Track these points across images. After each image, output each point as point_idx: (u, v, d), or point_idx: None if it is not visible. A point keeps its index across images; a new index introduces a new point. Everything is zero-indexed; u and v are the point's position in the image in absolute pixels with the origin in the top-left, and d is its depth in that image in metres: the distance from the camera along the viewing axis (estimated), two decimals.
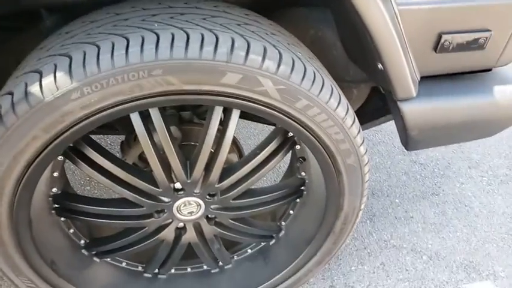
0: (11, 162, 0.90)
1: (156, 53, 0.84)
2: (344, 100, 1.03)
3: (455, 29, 1.04)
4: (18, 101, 0.86)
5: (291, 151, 1.20)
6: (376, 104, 1.45)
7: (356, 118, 1.07)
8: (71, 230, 1.20)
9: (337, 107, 1.00)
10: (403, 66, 1.03)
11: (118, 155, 1.70)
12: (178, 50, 0.85)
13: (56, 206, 1.13)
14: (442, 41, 1.04)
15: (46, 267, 1.10)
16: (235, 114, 1.03)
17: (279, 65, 0.91)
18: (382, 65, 1.02)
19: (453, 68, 1.14)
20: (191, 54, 0.85)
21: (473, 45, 1.08)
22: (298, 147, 1.17)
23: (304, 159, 1.20)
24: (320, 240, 1.25)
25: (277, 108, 0.95)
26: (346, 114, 1.02)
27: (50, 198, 1.11)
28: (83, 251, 1.23)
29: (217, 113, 1.01)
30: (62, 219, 1.17)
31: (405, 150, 2.14)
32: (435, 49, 1.06)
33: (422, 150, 2.14)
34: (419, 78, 1.10)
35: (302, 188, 1.26)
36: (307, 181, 1.24)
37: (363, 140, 1.09)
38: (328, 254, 1.28)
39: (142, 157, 1.21)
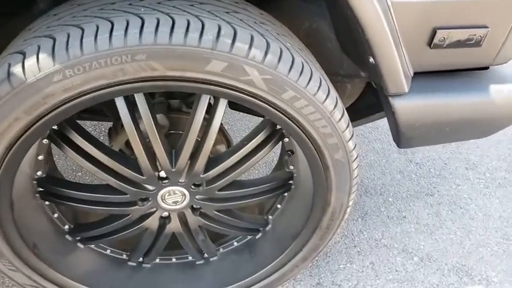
0: None
1: (140, 37, 0.83)
2: (333, 93, 1.01)
3: (451, 25, 1.02)
4: (1, 81, 0.85)
5: (279, 144, 1.18)
6: (370, 100, 1.43)
7: (345, 112, 1.05)
8: (55, 215, 1.20)
9: (325, 100, 0.98)
10: (395, 61, 1.00)
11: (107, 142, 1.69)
12: (163, 36, 0.84)
13: (41, 189, 1.12)
14: (437, 36, 1.02)
15: (27, 250, 1.10)
16: (223, 103, 1.01)
17: (265, 54, 0.89)
18: (374, 59, 1.00)
19: (448, 64, 1.11)
20: (176, 40, 0.84)
21: (470, 42, 1.05)
22: (286, 140, 1.15)
23: (292, 152, 1.18)
24: (306, 235, 1.23)
25: (263, 99, 0.93)
26: (334, 107, 1.00)
27: (35, 182, 1.10)
28: (67, 236, 1.23)
29: (204, 102, 0.99)
30: (47, 203, 1.16)
31: (401, 149, 2.11)
32: (429, 44, 1.04)
33: (419, 149, 2.11)
34: (412, 74, 1.08)
35: (290, 182, 1.25)
36: (295, 175, 1.22)
37: (352, 135, 1.07)
38: (314, 250, 1.26)
39: (129, 144, 1.20)
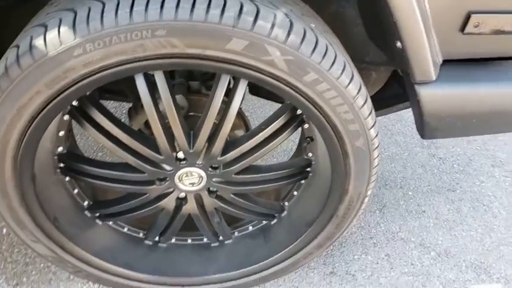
0: (15, 115, 0.91)
1: (160, 13, 0.82)
2: (357, 78, 0.98)
3: (487, 9, 0.96)
4: (23, 53, 0.85)
5: (299, 129, 1.16)
6: (396, 89, 1.39)
7: (369, 99, 1.02)
8: (75, 191, 1.22)
9: (348, 85, 0.95)
10: (423, 46, 0.96)
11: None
12: (184, 11, 0.82)
13: (61, 165, 1.14)
14: (471, 21, 0.97)
15: (48, 223, 1.12)
16: (242, 85, 0.99)
17: (288, 34, 0.87)
18: (401, 43, 0.96)
19: (480, 52, 1.06)
20: (196, 16, 0.82)
21: (507, 29, 0.99)
22: (306, 126, 1.13)
23: (312, 139, 1.16)
24: (322, 223, 1.21)
25: (283, 81, 0.91)
26: (358, 93, 0.97)
27: (56, 157, 1.12)
28: (86, 212, 1.25)
29: (223, 83, 0.98)
30: (67, 178, 1.18)
31: (424, 143, 2.05)
32: (462, 30, 0.99)
33: (443, 144, 2.04)
34: (441, 61, 1.03)
35: (308, 169, 1.23)
36: (313, 162, 1.20)
37: (375, 123, 1.04)
38: (329, 239, 1.25)
39: (148, 124, 1.20)
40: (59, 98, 0.90)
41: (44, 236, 1.13)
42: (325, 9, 1.22)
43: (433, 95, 1.05)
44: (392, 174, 1.89)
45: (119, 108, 2.07)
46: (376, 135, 1.06)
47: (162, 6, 0.82)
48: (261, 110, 2.17)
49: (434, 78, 1.02)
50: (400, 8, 0.90)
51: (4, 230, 1.58)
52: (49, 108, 0.92)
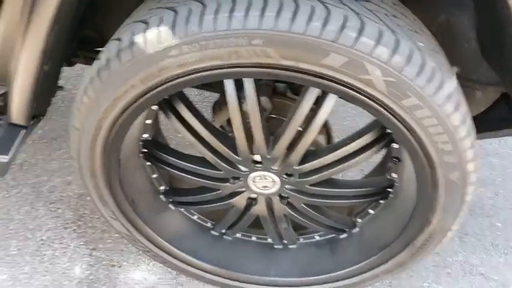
0: (110, 105, 0.95)
1: (260, 21, 0.79)
2: (463, 106, 0.87)
3: None
4: (124, 48, 0.88)
5: (386, 148, 1.08)
6: (503, 112, 1.23)
7: (473, 130, 0.91)
8: (154, 175, 1.27)
9: (452, 113, 0.85)
10: None
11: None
12: (284, 21, 0.78)
13: (145, 150, 1.19)
14: None
15: (127, 204, 1.19)
16: (332, 98, 0.94)
17: (393, 54, 0.79)
18: None
19: None
20: (296, 27, 0.78)
21: None
22: (395, 145, 1.04)
23: (398, 160, 1.07)
24: (396, 249, 1.14)
25: (380, 102, 0.84)
26: (461, 123, 0.87)
27: (140, 143, 1.17)
28: (161, 196, 1.30)
29: (312, 95, 0.93)
30: (148, 163, 1.23)
31: None
32: None
33: None
34: None
35: (389, 189, 1.14)
36: (396, 184, 1.11)
37: (475, 156, 0.93)
38: (400, 266, 1.17)
39: (230, 122, 1.20)
40: (150, 93, 0.92)
41: (121, 216, 1.20)
42: (433, 18, 1.10)
43: None
44: (481, 200, 1.71)
45: (202, 93, 2.12)
46: (475, 170, 0.95)
47: (262, 15, 0.79)
48: (342, 108, 2.08)
49: None
50: None
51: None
52: (141, 101, 0.95)
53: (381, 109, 0.85)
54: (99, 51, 1.49)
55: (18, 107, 1.07)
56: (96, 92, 0.94)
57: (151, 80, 0.89)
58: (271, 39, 0.79)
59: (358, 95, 0.84)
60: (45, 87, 1.11)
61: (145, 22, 0.87)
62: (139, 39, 0.86)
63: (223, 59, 0.84)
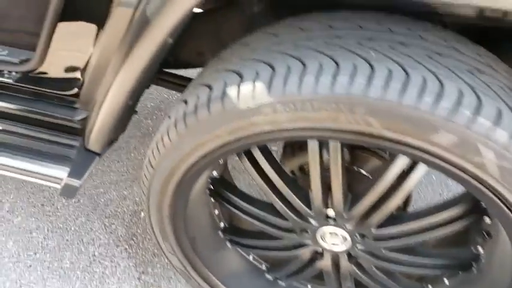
0: (191, 150, 0.93)
1: (366, 88, 0.74)
2: None
3: None
4: (215, 98, 0.86)
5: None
6: None
7: None
8: (216, 211, 1.24)
9: None
10: None
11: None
12: (393, 92, 0.73)
13: (211, 187, 1.16)
14: None
15: (188, 242, 1.17)
16: (423, 168, 0.87)
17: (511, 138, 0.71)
18: None
19: None
20: (407, 100, 0.72)
21: None
22: (488, 220, 0.95)
23: (490, 235, 0.98)
24: None
25: (488, 186, 0.76)
26: None
27: (209, 180, 1.14)
28: (220, 232, 1.27)
29: (402, 164, 0.87)
30: (212, 200, 1.21)
31: None
32: None
33: None
34: None
35: (471, 262, 1.05)
36: (482, 260, 1.02)
37: None
38: None
39: (302, 168, 1.15)
40: (234, 144, 0.89)
41: (180, 252, 1.18)
42: None
43: None
44: None
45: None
46: None
47: (369, 81, 0.73)
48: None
49: None
50: None
51: (142, 214, 1.72)
52: (222, 151, 0.92)
53: (489, 193, 0.77)
54: (168, 72, 1.51)
55: (96, 137, 1.07)
56: (179, 136, 0.92)
57: (239, 133, 0.86)
58: (376, 109, 0.74)
59: (464, 175, 0.77)
60: (124, 118, 1.11)
61: (239, 74, 0.84)
62: (232, 92, 0.83)
63: (318, 122, 0.79)
